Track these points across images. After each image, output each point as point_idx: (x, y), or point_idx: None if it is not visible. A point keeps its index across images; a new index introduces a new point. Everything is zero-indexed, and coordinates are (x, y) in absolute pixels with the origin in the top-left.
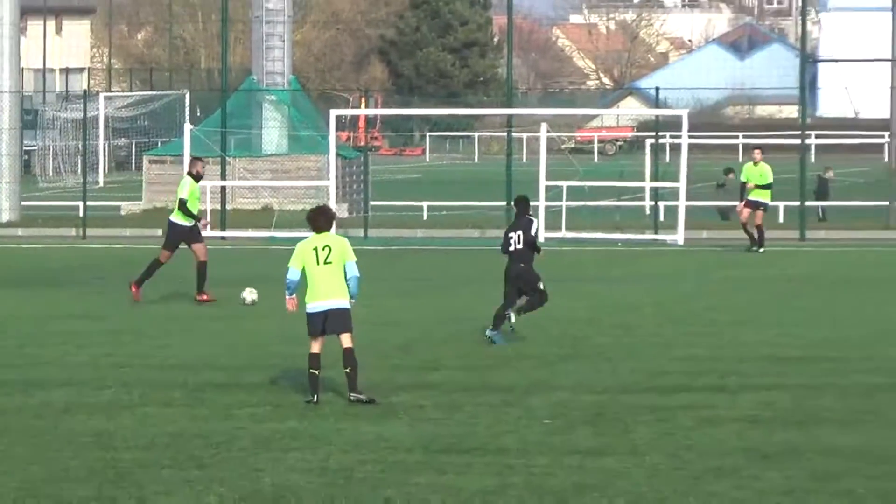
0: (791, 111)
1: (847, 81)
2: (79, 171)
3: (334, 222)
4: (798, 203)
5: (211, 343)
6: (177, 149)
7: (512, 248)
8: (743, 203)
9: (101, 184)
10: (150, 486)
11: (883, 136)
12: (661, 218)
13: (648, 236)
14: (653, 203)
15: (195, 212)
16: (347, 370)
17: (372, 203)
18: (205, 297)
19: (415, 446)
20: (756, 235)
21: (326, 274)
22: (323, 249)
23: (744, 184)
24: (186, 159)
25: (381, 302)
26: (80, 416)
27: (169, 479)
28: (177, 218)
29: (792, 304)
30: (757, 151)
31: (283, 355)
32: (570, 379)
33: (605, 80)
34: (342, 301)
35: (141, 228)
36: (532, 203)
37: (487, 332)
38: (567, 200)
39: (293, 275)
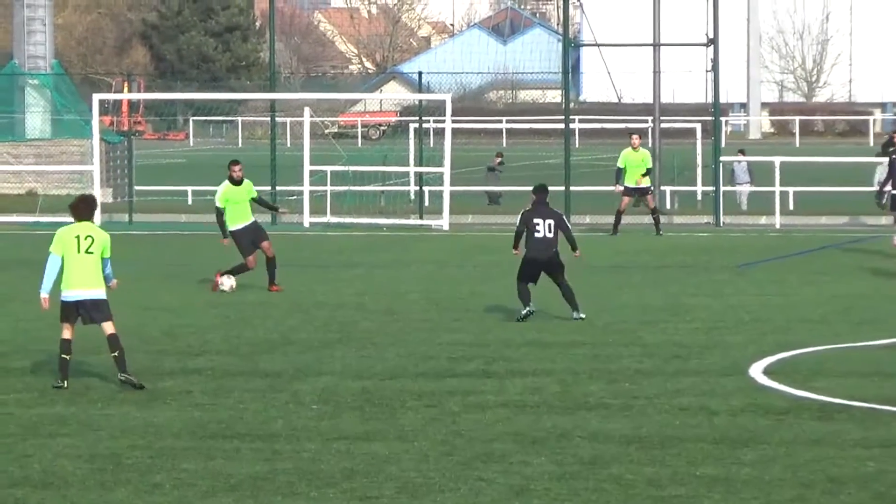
0: (555, 96)
1: (610, 66)
2: None
3: (97, 211)
4: (563, 188)
5: None
6: None
7: (540, 235)
8: (621, 190)
9: None
10: None
11: (647, 121)
12: (427, 203)
13: (414, 221)
14: (418, 188)
15: (240, 215)
16: (115, 354)
17: (136, 188)
18: (275, 288)
19: (182, 432)
20: (657, 219)
21: (86, 263)
22: (85, 239)
23: (620, 170)
24: None
25: (146, 287)
26: None
27: None
28: (232, 225)
29: (554, 288)
30: (635, 137)
31: (49, 340)
32: (338, 364)
33: (368, 65)
34: (99, 291)
35: None
36: (296, 188)
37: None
38: (331, 185)
39: (54, 262)
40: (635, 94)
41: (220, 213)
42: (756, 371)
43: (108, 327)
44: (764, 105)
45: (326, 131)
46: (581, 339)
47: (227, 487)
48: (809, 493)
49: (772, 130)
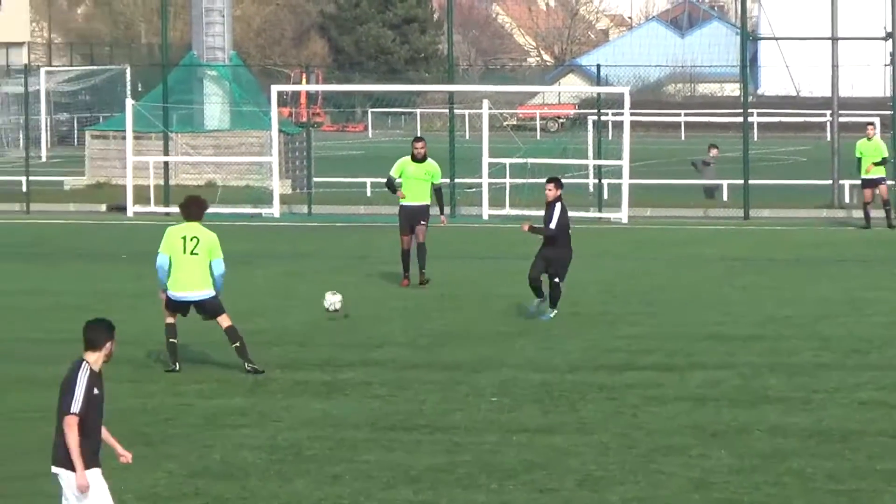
0: (733, 89)
1: (788, 59)
2: (21, 145)
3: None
4: (742, 181)
5: (157, 318)
6: (119, 124)
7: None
8: (861, 183)
9: (44, 158)
10: None
11: (825, 115)
12: (605, 196)
13: (592, 214)
14: (596, 181)
15: (413, 192)
16: (236, 345)
17: (315, 179)
18: (422, 277)
19: (362, 423)
20: (869, 215)
21: (192, 265)
22: (191, 240)
23: (860, 160)
24: (129, 134)
25: (325, 278)
26: (28, 392)
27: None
28: (403, 200)
29: (737, 282)
30: (870, 127)
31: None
32: (518, 357)
33: (546, 57)
34: (206, 292)
35: (85, 203)
36: (475, 180)
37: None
38: (510, 177)
39: (162, 261)
40: (813, 87)
41: (389, 182)
42: None
43: (224, 320)
44: None
45: (505, 123)
46: (761, 332)
47: (406, 479)
48: None
49: None
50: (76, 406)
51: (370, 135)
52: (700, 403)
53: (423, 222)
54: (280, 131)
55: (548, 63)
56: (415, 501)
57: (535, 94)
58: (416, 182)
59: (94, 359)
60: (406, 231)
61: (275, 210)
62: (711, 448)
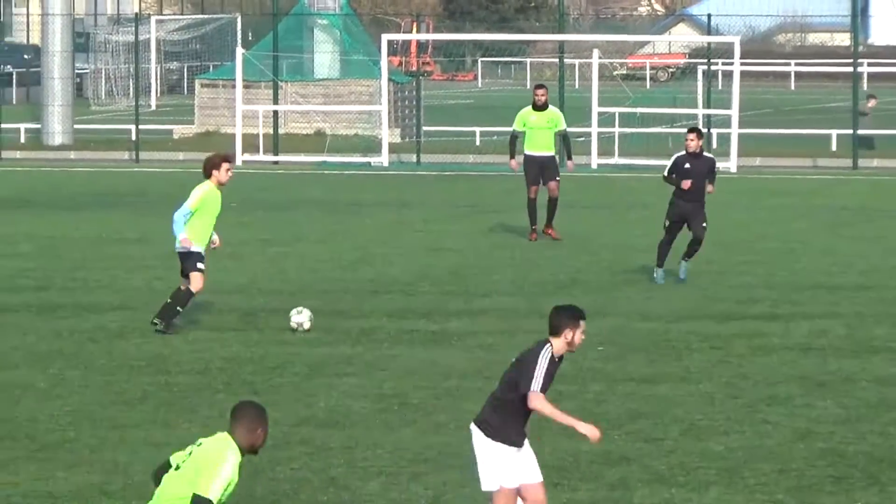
0: (843, 39)
1: None
2: (131, 94)
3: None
4: (850, 131)
5: (264, 267)
6: (229, 73)
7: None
8: None
9: (154, 107)
10: (204, 411)
11: None
12: (715, 145)
13: None
14: (706, 130)
15: (537, 143)
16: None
17: (424, 128)
18: (550, 231)
19: (468, 372)
20: None
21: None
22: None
23: None
24: (239, 83)
25: (433, 227)
26: (134, 340)
27: (223, 403)
28: (528, 150)
29: (844, 232)
30: None
31: (335, 280)
32: (624, 306)
33: (657, 7)
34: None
35: (193, 152)
36: (585, 129)
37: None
38: (619, 127)
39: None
40: None
41: (513, 137)
42: None
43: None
44: None
45: (615, 73)
46: (867, 282)
47: None
48: None
49: None
50: (536, 385)
51: (480, 84)
52: (805, 353)
53: (557, 178)
54: (390, 80)
55: (658, 12)
56: None
57: (645, 43)
58: (540, 131)
59: (558, 345)
60: (535, 181)
61: (384, 159)
62: (816, 398)
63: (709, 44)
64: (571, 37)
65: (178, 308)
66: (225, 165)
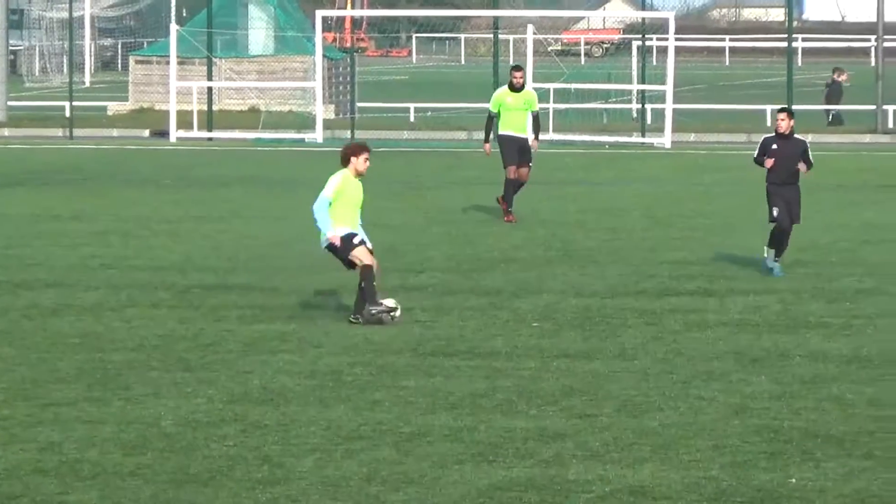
0: (778, 14)
1: None
2: (65, 71)
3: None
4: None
5: (198, 244)
6: (163, 49)
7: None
8: None
9: (88, 84)
10: (138, 388)
11: (869, 40)
12: (649, 121)
13: (636, 139)
14: (640, 106)
15: (513, 123)
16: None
17: (359, 105)
18: (509, 215)
19: (403, 349)
20: None
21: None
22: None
23: None
24: (173, 60)
25: (368, 204)
26: (68, 317)
27: (157, 380)
28: (504, 130)
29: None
30: None
31: (270, 257)
32: (559, 282)
33: None
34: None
35: (128, 128)
36: None
37: (769, 264)
38: (554, 103)
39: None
40: (859, 13)
41: (490, 118)
42: None
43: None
44: None
45: (549, 49)
46: (802, 258)
47: (446, 405)
48: None
49: None
50: None
51: (414, 60)
52: (740, 329)
53: (530, 164)
54: (324, 56)
55: None
56: (454, 427)
57: (579, 19)
58: (517, 112)
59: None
60: (514, 160)
61: (318, 135)
62: (751, 374)
63: (643, 19)
64: (506, 12)
65: (372, 290)
66: (364, 155)
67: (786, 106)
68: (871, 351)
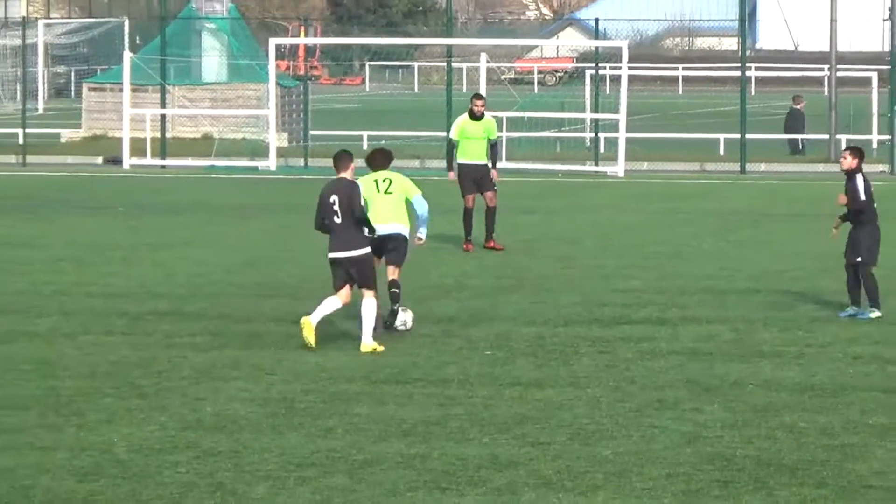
0: (731, 43)
1: (787, 14)
2: (18, 98)
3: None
4: (738, 136)
5: (152, 271)
6: (116, 76)
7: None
8: None
9: (41, 111)
10: (91, 415)
11: (822, 69)
12: (602, 149)
13: (589, 168)
14: (593, 134)
15: (472, 151)
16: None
17: (312, 132)
18: (492, 244)
19: (356, 376)
20: None
21: (386, 202)
22: (383, 181)
23: None
24: (126, 87)
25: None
26: (20, 344)
27: (110, 407)
28: (462, 158)
29: (732, 237)
30: None
31: (223, 283)
32: (512, 310)
33: (545, 11)
34: (399, 226)
35: (81, 156)
36: None
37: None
38: (507, 131)
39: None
40: (812, 42)
41: (451, 146)
42: None
43: (392, 272)
44: None
45: (503, 77)
46: (755, 286)
47: (399, 432)
48: None
49: None
50: None
51: (367, 88)
52: (693, 357)
53: (494, 188)
54: (277, 84)
55: (546, 17)
56: (407, 455)
57: (533, 47)
58: (476, 141)
59: None
60: (471, 190)
61: (271, 163)
62: (704, 402)
63: (596, 48)
64: (459, 41)
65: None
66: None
67: (854, 145)
68: (823, 379)
